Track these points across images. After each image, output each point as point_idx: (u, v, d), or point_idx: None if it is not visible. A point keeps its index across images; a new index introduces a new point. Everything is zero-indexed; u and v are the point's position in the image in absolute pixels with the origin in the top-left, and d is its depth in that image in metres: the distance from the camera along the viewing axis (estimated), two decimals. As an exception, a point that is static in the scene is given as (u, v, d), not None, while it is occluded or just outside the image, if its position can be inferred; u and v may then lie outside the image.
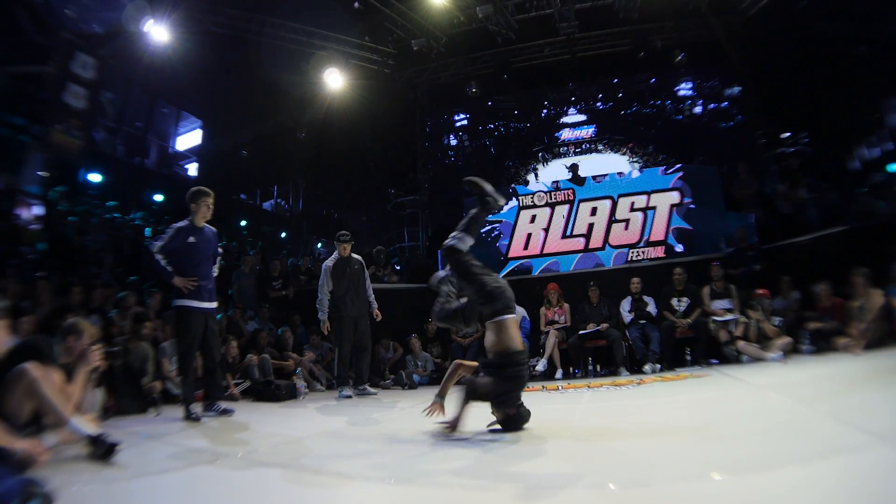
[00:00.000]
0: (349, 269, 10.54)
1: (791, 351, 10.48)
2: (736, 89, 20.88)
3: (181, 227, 7.77)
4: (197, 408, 7.59)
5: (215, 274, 8.21)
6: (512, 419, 5.75)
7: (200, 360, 8.03)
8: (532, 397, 7.18)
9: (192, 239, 7.75)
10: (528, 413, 5.85)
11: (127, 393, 8.28)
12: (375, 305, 10.70)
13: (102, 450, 4.79)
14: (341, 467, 4.69)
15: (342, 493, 4.09)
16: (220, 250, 8.46)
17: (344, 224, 27.52)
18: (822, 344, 10.34)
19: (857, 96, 19.83)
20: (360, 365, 10.53)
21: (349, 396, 9.94)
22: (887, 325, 9.61)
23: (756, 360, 10.53)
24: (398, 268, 19.23)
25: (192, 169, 26.16)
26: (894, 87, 20.10)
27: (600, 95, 22.42)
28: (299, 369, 11.31)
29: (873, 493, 3.10)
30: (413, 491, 3.94)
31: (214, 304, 8.04)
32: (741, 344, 10.88)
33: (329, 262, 10.61)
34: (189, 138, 26.24)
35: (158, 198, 22.23)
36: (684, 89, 21.74)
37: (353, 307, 10.39)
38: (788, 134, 19.30)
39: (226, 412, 7.69)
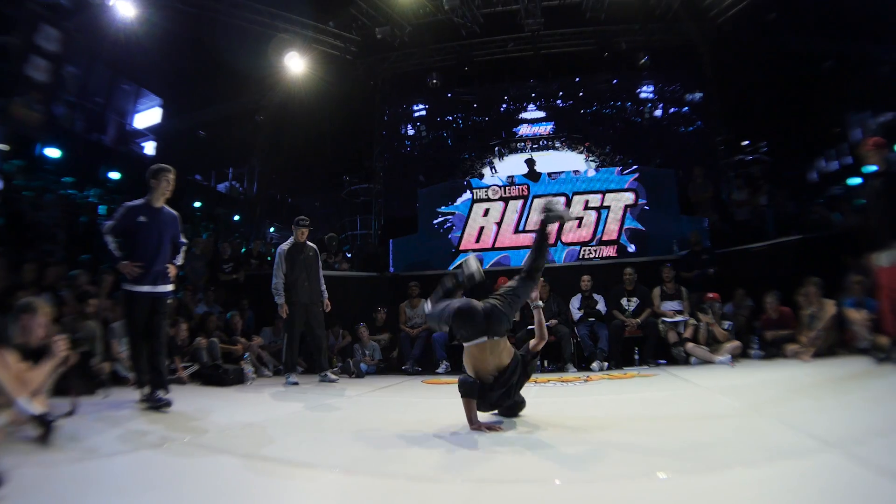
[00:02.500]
0: (303, 255, 10.39)
1: (740, 355, 10.50)
2: (698, 95, 21.16)
3: (132, 206, 7.34)
4: (149, 391, 7.14)
5: (178, 262, 7.78)
6: (507, 407, 5.78)
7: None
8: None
9: (142, 218, 7.27)
10: (524, 401, 5.89)
11: (75, 373, 8.02)
12: (326, 296, 10.57)
13: (44, 429, 4.71)
14: (288, 454, 4.63)
15: (288, 481, 3.95)
16: (183, 240, 7.88)
17: (298, 209, 27.27)
18: (772, 350, 10.45)
19: (820, 110, 20.08)
20: (317, 353, 10.40)
21: (296, 383, 9.71)
22: (838, 334, 9.83)
23: (704, 362, 10.55)
24: (349, 255, 19.11)
25: (149, 147, 25.67)
26: (858, 103, 20.37)
27: (561, 93, 22.50)
28: (247, 354, 11.29)
29: (818, 496, 3.11)
30: (360, 481, 3.88)
31: (166, 288, 7.48)
32: (690, 346, 10.88)
33: (284, 246, 10.44)
34: (147, 116, 25.75)
35: (115, 175, 21.63)
36: (646, 92, 21.94)
37: (305, 294, 10.24)
38: (748, 142, 19.42)
39: (166, 403, 6.96)
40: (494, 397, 5.52)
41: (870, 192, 8.26)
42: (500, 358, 5.55)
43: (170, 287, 7.58)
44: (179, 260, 7.79)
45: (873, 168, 8.16)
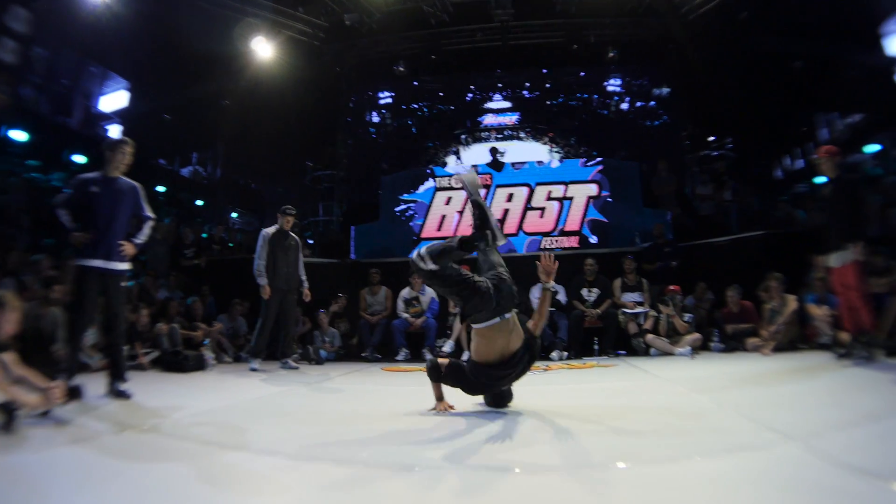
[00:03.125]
0: (285, 243, 10.47)
1: (700, 347, 10.61)
2: (665, 90, 21.25)
3: (85, 178, 7.07)
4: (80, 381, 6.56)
5: (141, 239, 7.26)
6: (496, 397, 5.66)
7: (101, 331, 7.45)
8: None
9: (94, 188, 6.92)
10: (511, 393, 5.74)
11: (36, 360, 7.83)
12: (307, 285, 10.64)
13: (6, 418, 4.60)
14: (250, 442, 4.60)
15: (250, 469, 3.89)
16: (148, 213, 7.37)
17: (260, 194, 27.14)
18: (732, 343, 10.59)
19: (788, 109, 20.27)
20: (285, 339, 10.41)
21: (257, 369, 9.70)
22: (799, 329, 10.15)
23: (664, 354, 10.61)
24: (310, 242, 18.94)
25: (114, 131, 25.29)
26: (826, 104, 20.54)
27: (527, 84, 22.52)
28: (208, 340, 11.24)
29: (777, 488, 3.08)
30: (322, 468, 3.80)
31: (120, 266, 7.03)
32: (650, 337, 10.93)
33: (269, 231, 10.48)
34: (113, 99, 25.38)
35: (80, 159, 21.15)
36: (613, 85, 22.01)
37: (283, 280, 10.27)
38: (713, 138, 19.51)
39: (122, 394, 6.74)
40: (492, 381, 5.41)
41: (822, 196, 8.61)
42: (508, 340, 5.33)
43: (124, 266, 7.11)
44: (142, 237, 7.29)
45: (825, 177, 8.44)
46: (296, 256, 10.54)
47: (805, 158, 22.39)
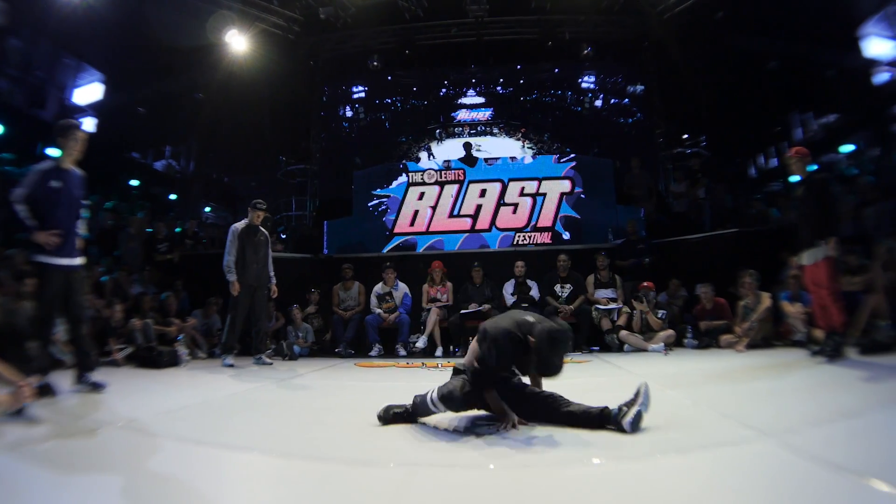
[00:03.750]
0: (255, 238, 10.32)
1: (674, 344, 10.66)
2: (639, 87, 21.37)
3: (44, 170, 6.78)
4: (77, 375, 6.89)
5: (80, 229, 7.04)
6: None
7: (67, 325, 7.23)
8: (411, 374, 7.22)
9: (55, 183, 6.70)
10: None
11: (10, 356, 7.75)
12: (274, 281, 10.49)
13: None
14: (225, 438, 4.59)
15: (225, 466, 3.90)
16: (85, 201, 7.23)
17: (233, 189, 27.01)
18: (706, 339, 10.62)
19: (763, 108, 20.45)
20: (257, 335, 10.30)
21: (231, 365, 9.62)
22: (773, 326, 10.23)
23: (637, 350, 10.65)
24: (283, 236, 18.90)
25: (88, 124, 25.01)
26: (801, 104, 20.71)
27: (501, 80, 22.56)
28: (182, 336, 11.07)
29: (753, 484, 3.10)
30: (296, 465, 3.79)
31: (78, 261, 6.96)
32: (623, 333, 10.96)
33: (238, 226, 10.32)
34: (87, 91, 25.09)
35: (55, 152, 20.88)
36: (587, 82, 22.20)
37: (252, 276, 10.14)
38: (687, 136, 19.62)
39: (97, 386, 6.74)
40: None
41: (794, 196, 8.80)
42: None
43: (81, 259, 7.08)
44: (80, 227, 7.08)
45: (797, 177, 8.53)
46: (265, 252, 10.42)
47: (779, 157, 22.59)
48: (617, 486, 3.16)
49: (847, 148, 20.32)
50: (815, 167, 8.80)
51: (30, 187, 6.65)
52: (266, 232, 10.66)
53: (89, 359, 6.97)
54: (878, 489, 2.82)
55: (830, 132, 21.11)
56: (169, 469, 3.68)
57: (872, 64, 18.69)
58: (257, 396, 6.98)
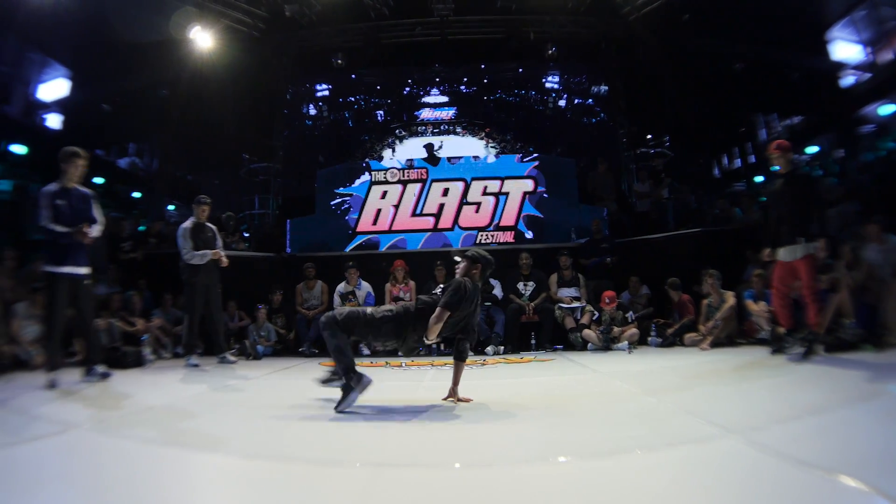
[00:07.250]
0: (204, 235, 10.19)
1: (638, 342, 10.72)
2: (603, 88, 21.51)
3: (50, 192, 7.58)
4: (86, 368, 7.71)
5: (95, 231, 7.85)
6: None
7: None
8: (375, 373, 7.16)
9: (59, 202, 7.55)
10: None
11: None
12: (223, 253, 10.20)
13: None
14: (190, 439, 4.59)
15: (190, 466, 3.85)
16: (96, 216, 8.02)
17: (197, 187, 26.77)
18: (670, 338, 10.71)
19: (727, 110, 20.62)
20: (216, 334, 10.25)
21: (196, 365, 9.52)
22: (737, 324, 10.37)
23: (601, 348, 10.68)
24: (246, 235, 18.72)
25: (53, 120, 24.68)
26: (766, 106, 20.90)
27: (465, 79, 22.72)
28: (146, 335, 11.02)
29: (717, 480, 3.14)
30: (261, 465, 3.79)
31: (83, 270, 7.84)
32: (587, 332, 10.96)
33: (187, 225, 10.17)
34: (52, 87, 24.77)
35: (20, 149, 20.55)
36: (551, 82, 22.39)
37: (205, 274, 9.98)
38: (651, 136, 19.75)
39: (105, 375, 7.73)
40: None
41: (772, 191, 8.62)
42: None
43: (87, 269, 7.91)
44: (96, 231, 7.87)
45: (779, 172, 8.41)
46: (214, 247, 10.23)
47: (742, 158, 22.80)
48: (583, 484, 3.15)
49: (812, 149, 20.62)
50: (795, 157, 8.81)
51: (47, 209, 7.50)
52: (214, 227, 10.53)
53: (97, 353, 7.97)
54: (845, 484, 2.83)
55: (795, 134, 21.36)
56: (134, 472, 3.64)
57: (838, 67, 18.93)
58: (222, 397, 6.99)
